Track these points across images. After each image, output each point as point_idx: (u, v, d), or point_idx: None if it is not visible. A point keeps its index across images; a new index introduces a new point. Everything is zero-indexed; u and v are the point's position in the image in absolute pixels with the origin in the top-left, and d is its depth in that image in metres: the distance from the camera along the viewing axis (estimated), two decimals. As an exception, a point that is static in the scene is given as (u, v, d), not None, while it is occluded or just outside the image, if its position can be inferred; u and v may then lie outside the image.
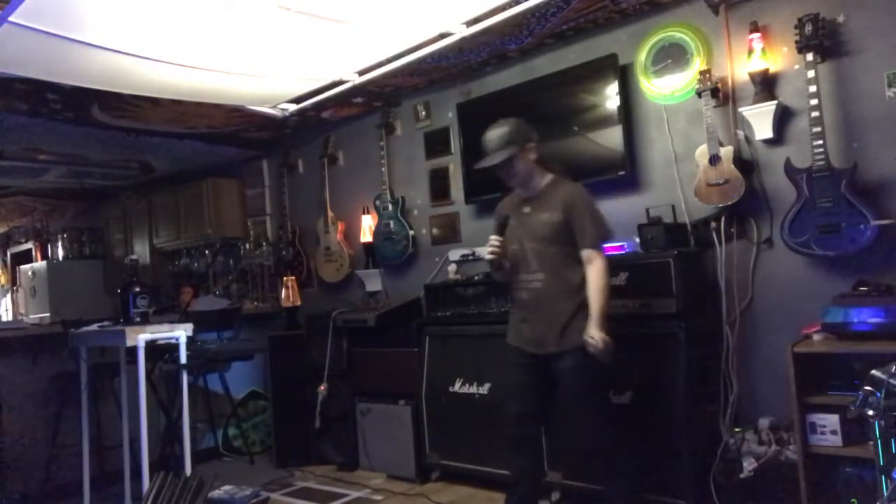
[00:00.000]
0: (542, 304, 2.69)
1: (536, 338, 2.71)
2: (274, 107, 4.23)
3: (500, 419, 3.39)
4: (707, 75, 3.11)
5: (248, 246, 5.67)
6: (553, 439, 3.23)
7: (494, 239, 2.69)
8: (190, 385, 3.68)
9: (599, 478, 2.82)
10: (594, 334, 2.54)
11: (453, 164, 4.33)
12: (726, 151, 3.07)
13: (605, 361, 2.56)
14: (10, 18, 2.53)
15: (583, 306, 2.62)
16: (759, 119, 3.05)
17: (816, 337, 2.70)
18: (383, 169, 4.59)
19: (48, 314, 6.39)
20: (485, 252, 2.76)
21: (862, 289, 2.70)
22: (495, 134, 2.75)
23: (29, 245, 8.33)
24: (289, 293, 4.86)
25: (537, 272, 2.69)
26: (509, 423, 2.85)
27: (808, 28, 2.80)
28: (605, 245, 2.76)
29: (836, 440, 2.55)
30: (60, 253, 7.45)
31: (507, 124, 2.77)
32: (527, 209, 2.76)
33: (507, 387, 3.02)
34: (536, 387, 2.76)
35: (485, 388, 3.54)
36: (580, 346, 2.58)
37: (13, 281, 8.18)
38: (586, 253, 2.64)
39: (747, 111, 3.07)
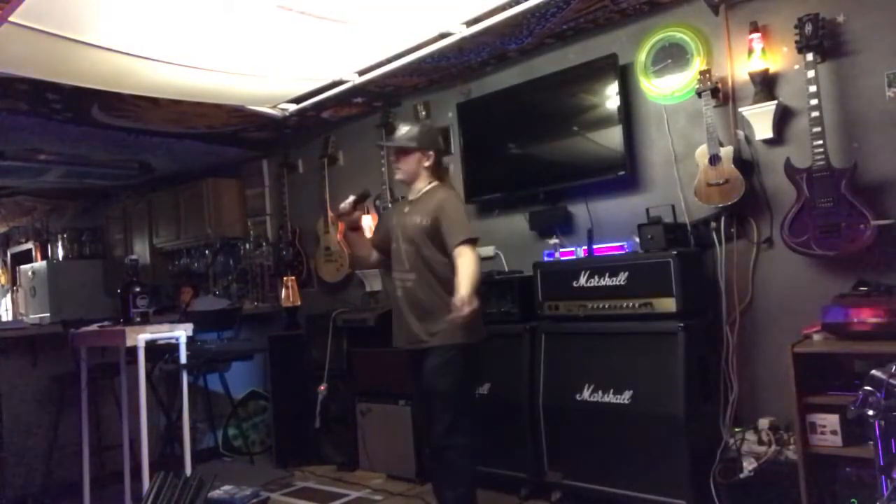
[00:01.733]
0: (414, 301, 2.82)
1: (410, 334, 2.84)
2: (274, 107, 4.23)
3: (500, 419, 3.40)
4: (707, 75, 3.11)
5: (248, 246, 5.67)
6: (553, 439, 3.23)
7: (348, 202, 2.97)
8: (190, 385, 3.67)
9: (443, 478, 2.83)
10: (457, 298, 2.55)
11: (453, 164, 4.32)
12: (726, 151, 3.07)
13: (460, 321, 2.57)
14: (10, 18, 2.53)
15: (449, 306, 2.67)
16: (759, 119, 3.05)
17: (816, 337, 2.70)
18: (383, 169, 4.58)
19: (48, 314, 6.38)
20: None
21: (862, 289, 2.70)
22: (408, 125, 3.00)
23: (29, 245, 8.34)
24: (289, 293, 4.86)
25: (410, 271, 2.84)
26: (425, 431, 2.99)
27: (808, 28, 2.80)
28: (473, 244, 2.78)
29: (836, 440, 2.55)
30: (60, 253, 7.46)
31: (424, 127, 3.04)
32: (406, 209, 2.95)
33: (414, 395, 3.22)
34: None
35: (485, 388, 3.54)
36: (448, 345, 2.73)
37: (13, 281, 8.19)
38: (455, 251, 2.72)
39: (747, 111, 3.07)
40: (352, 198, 2.97)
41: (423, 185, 2.93)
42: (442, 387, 2.76)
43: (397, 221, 2.95)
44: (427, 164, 2.91)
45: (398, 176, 3.00)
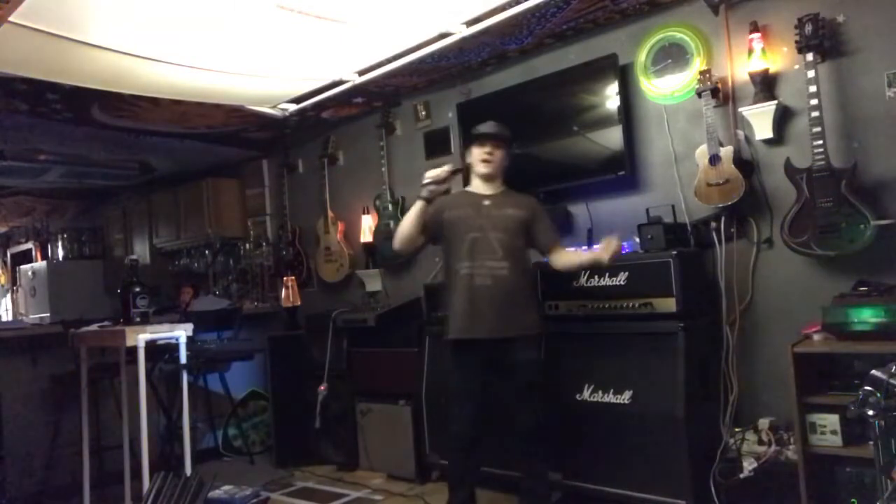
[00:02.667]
0: (508, 289, 2.88)
1: (498, 323, 2.85)
2: (274, 107, 4.23)
3: (500, 419, 3.40)
4: (707, 75, 3.11)
5: (248, 246, 5.67)
6: (553, 439, 3.23)
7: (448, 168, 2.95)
8: (190, 385, 3.67)
9: (524, 463, 3.02)
10: (608, 246, 2.80)
11: (453, 164, 4.32)
12: (726, 151, 3.07)
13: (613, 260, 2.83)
14: (10, 18, 2.53)
15: (534, 297, 3.08)
16: (759, 119, 3.05)
17: (816, 337, 2.70)
18: (383, 169, 4.59)
19: (48, 314, 6.37)
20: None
21: (862, 289, 2.70)
22: (503, 126, 3.08)
23: (29, 245, 8.33)
24: (289, 293, 4.86)
25: (503, 260, 2.88)
26: (462, 427, 2.95)
27: (808, 28, 2.80)
28: None
29: (836, 440, 2.55)
30: (60, 253, 7.45)
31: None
32: (487, 202, 2.98)
33: (458, 391, 3.01)
34: (487, 385, 2.96)
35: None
36: (536, 335, 2.96)
37: (13, 281, 8.18)
38: (556, 246, 3.05)
39: (747, 111, 3.07)
40: (448, 166, 2.98)
41: (499, 183, 3.07)
42: (539, 376, 2.95)
43: (476, 212, 2.95)
44: (506, 164, 3.06)
45: (487, 169, 3.00)
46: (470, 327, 2.88)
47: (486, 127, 3.05)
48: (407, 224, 2.98)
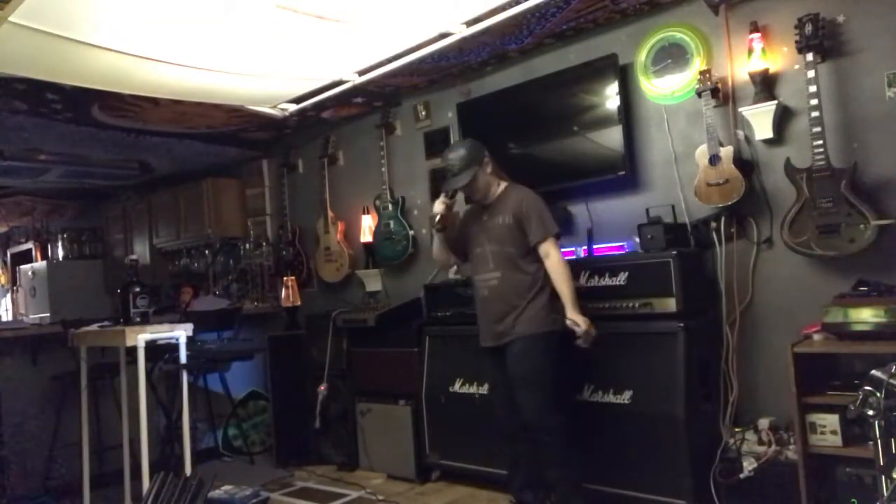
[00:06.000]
0: (500, 298, 2.98)
1: (496, 331, 3.00)
2: (274, 107, 4.23)
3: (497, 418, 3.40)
4: (707, 75, 3.11)
5: (248, 246, 5.67)
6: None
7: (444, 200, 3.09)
8: (190, 385, 3.67)
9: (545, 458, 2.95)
10: (575, 318, 2.87)
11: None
12: (726, 151, 3.07)
13: (587, 345, 2.88)
14: (10, 18, 2.53)
15: (533, 299, 2.93)
16: (759, 119, 3.05)
17: (816, 337, 2.70)
18: (383, 169, 4.59)
19: (48, 314, 6.38)
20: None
21: (862, 289, 2.70)
22: (456, 156, 3.04)
23: (29, 245, 8.32)
24: (289, 293, 4.86)
25: (494, 270, 3.00)
26: (500, 420, 3.17)
27: (808, 28, 2.80)
28: (558, 239, 3.02)
29: (836, 440, 2.55)
30: (60, 253, 7.45)
31: (464, 146, 3.11)
32: (485, 216, 3.09)
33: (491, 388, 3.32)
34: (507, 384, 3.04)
35: (484, 388, 3.54)
36: (528, 335, 2.91)
37: (13, 281, 8.18)
38: (542, 248, 2.94)
39: (747, 111, 3.07)
40: (442, 197, 3.13)
41: (496, 188, 3.11)
42: (525, 372, 3.00)
43: (480, 227, 3.10)
44: (489, 170, 3.07)
45: (475, 199, 3.13)
46: (483, 337, 3.12)
47: (449, 182, 3.07)
48: (435, 253, 3.33)
